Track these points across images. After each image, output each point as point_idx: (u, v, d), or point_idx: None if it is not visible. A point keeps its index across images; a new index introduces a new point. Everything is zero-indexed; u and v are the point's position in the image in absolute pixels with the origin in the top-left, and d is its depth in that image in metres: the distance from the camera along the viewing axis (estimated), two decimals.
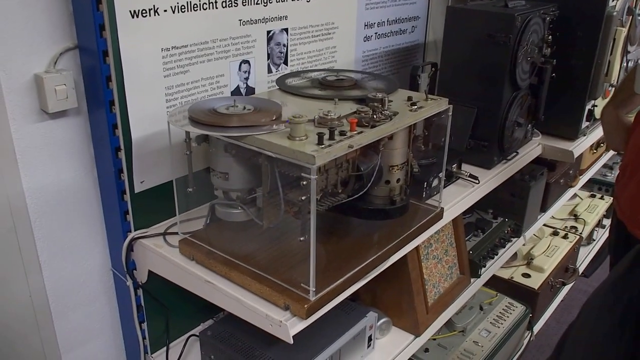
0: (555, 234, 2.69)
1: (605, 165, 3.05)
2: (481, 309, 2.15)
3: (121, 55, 1.11)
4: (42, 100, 1.11)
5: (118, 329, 1.42)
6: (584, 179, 2.49)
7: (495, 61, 1.58)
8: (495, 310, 2.18)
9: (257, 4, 1.34)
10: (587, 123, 1.95)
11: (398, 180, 1.19)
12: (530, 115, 1.79)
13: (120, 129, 1.16)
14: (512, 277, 2.38)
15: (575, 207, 2.97)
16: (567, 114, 1.90)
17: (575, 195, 3.00)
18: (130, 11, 1.10)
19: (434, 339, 1.97)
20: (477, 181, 1.59)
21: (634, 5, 1.90)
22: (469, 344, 2.01)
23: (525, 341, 2.31)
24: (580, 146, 1.93)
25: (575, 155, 1.88)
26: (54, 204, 1.20)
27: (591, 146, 2.45)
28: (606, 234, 3.04)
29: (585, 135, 1.96)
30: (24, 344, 1.23)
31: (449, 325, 2.01)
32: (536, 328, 2.38)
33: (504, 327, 2.11)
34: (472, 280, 1.77)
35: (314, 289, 1.01)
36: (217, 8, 1.26)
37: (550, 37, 1.72)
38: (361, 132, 1.04)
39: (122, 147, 1.18)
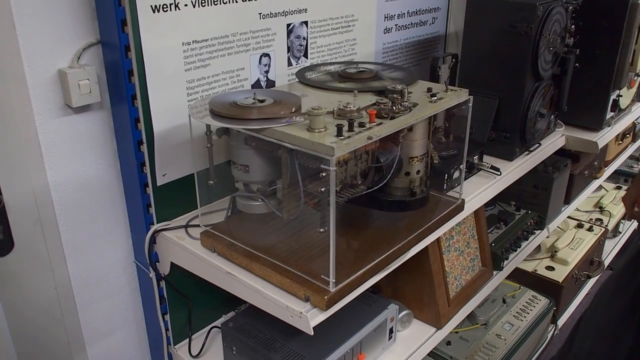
0: (579, 226, 2.65)
1: (631, 157, 3.00)
2: (504, 301, 2.14)
3: (143, 49, 1.13)
4: (66, 95, 1.13)
5: (141, 321, 1.44)
6: (609, 171, 2.45)
7: (516, 51, 1.56)
8: (518, 303, 2.16)
9: None
10: (612, 113, 1.92)
11: (418, 171, 1.19)
12: (553, 105, 1.77)
13: (142, 122, 1.17)
14: (535, 270, 2.36)
15: (601, 199, 2.93)
16: (591, 104, 1.87)
17: (600, 187, 2.96)
18: (151, 6, 1.12)
19: (456, 332, 1.97)
20: (498, 173, 1.57)
21: None
22: (492, 337, 2.00)
23: (550, 335, 2.28)
24: (604, 137, 1.90)
25: (600, 146, 1.85)
26: (78, 197, 1.22)
27: (616, 137, 2.41)
28: (633, 226, 2.99)
29: (610, 126, 1.93)
30: (49, 335, 1.26)
31: (471, 318, 2.01)
32: (560, 321, 2.36)
33: (527, 320, 2.09)
34: (494, 272, 1.76)
35: (334, 281, 1.01)
36: (237, 2, 1.26)
37: (573, 26, 1.69)
38: (380, 123, 1.04)
39: (144, 140, 1.19)
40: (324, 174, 0.95)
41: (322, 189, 0.98)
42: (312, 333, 1.01)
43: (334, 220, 0.97)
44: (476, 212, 1.65)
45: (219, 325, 1.39)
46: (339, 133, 0.97)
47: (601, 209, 2.86)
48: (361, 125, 1.01)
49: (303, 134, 0.98)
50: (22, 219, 1.14)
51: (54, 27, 1.09)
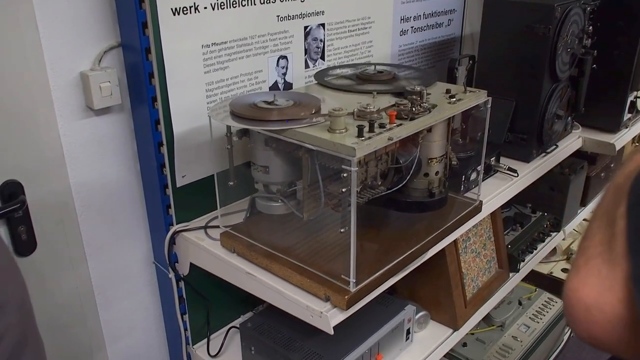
0: None
1: None
2: (520, 303, 2.13)
3: (163, 52, 1.14)
4: (87, 97, 1.15)
5: (160, 321, 1.45)
6: None
7: (534, 53, 1.56)
8: (534, 305, 2.16)
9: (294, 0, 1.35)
10: (629, 115, 1.91)
11: (437, 173, 1.19)
12: (570, 107, 1.76)
13: (162, 124, 1.18)
14: (551, 272, 2.35)
15: None
16: (609, 105, 1.86)
17: None
18: (171, 9, 1.13)
19: (472, 334, 1.96)
20: (515, 174, 1.57)
21: None
22: (508, 338, 1.99)
23: (566, 337, 2.27)
24: (622, 139, 1.89)
25: (617, 148, 1.84)
26: (99, 198, 1.24)
27: (633, 139, 2.39)
28: None
29: (627, 128, 1.92)
30: (71, 334, 1.27)
31: (488, 319, 2.00)
32: None
33: (543, 322, 2.08)
34: (510, 274, 1.75)
35: (354, 280, 1.02)
36: (255, 5, 1.27)
37: (590, 27, 1.69)
38: (400, 124, 1.04)
39: (164, 142, 1.20)
40: (344, 175, 0.95)
41: (342, 190, 0.98)
42: (332, 332, 1.02)
43: (354, 220, 0.97)
44: (493, 214, 1.65)
45: (238, 326, 1.40)
46: (360, 134, 0.97)
47: None
48: (381, 126, 1.02)
49: (324, 135, 0.98)
50: (44, 219, 1.16)
51: (76, 30, 1.11)
